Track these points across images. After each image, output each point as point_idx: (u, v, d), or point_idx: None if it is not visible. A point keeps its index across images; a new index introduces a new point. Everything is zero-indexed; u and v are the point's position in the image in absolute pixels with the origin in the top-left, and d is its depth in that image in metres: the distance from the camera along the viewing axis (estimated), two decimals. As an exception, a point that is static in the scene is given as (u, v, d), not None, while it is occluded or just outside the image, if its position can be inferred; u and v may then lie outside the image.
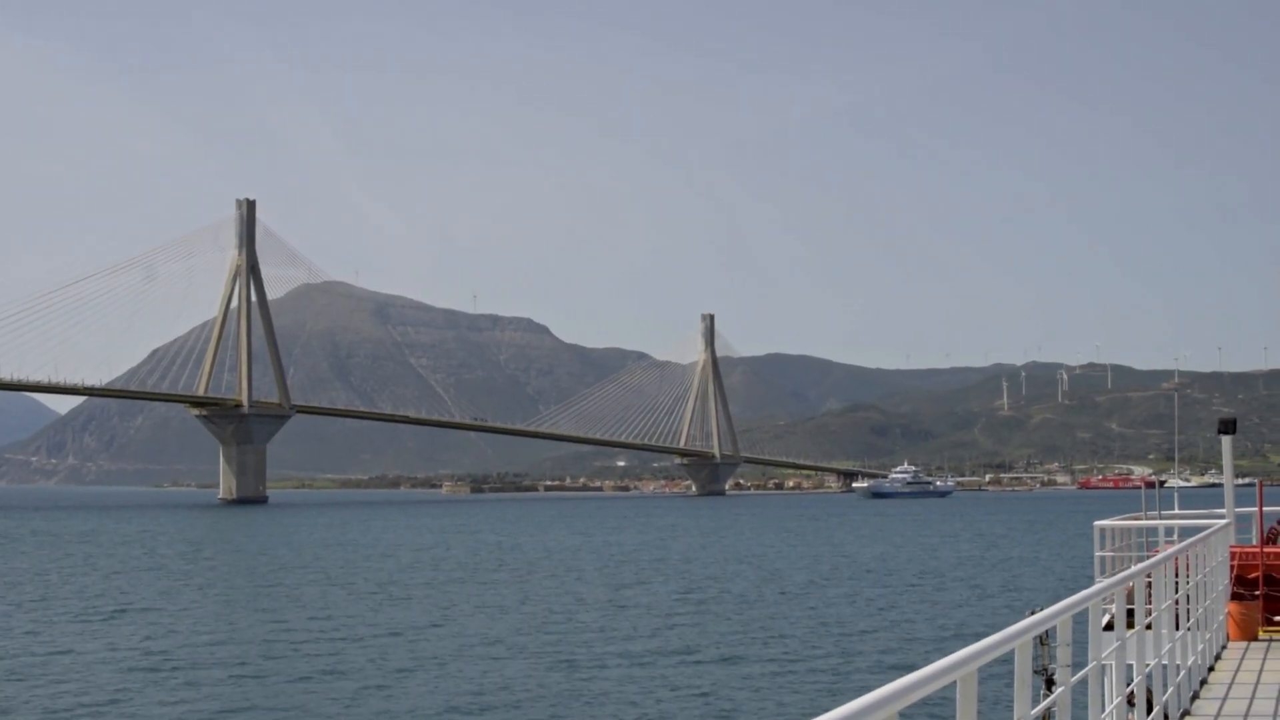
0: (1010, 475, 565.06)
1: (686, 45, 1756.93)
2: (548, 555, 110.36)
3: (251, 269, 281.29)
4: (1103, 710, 12.23)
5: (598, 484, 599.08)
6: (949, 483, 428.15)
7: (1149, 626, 15.47)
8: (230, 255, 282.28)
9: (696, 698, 39.90)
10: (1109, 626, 14.81)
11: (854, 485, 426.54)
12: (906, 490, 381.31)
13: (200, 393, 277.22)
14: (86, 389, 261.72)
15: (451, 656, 47.62)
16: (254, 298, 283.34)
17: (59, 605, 67.15)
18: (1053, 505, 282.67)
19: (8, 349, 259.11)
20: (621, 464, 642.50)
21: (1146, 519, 26.31)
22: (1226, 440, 27.43)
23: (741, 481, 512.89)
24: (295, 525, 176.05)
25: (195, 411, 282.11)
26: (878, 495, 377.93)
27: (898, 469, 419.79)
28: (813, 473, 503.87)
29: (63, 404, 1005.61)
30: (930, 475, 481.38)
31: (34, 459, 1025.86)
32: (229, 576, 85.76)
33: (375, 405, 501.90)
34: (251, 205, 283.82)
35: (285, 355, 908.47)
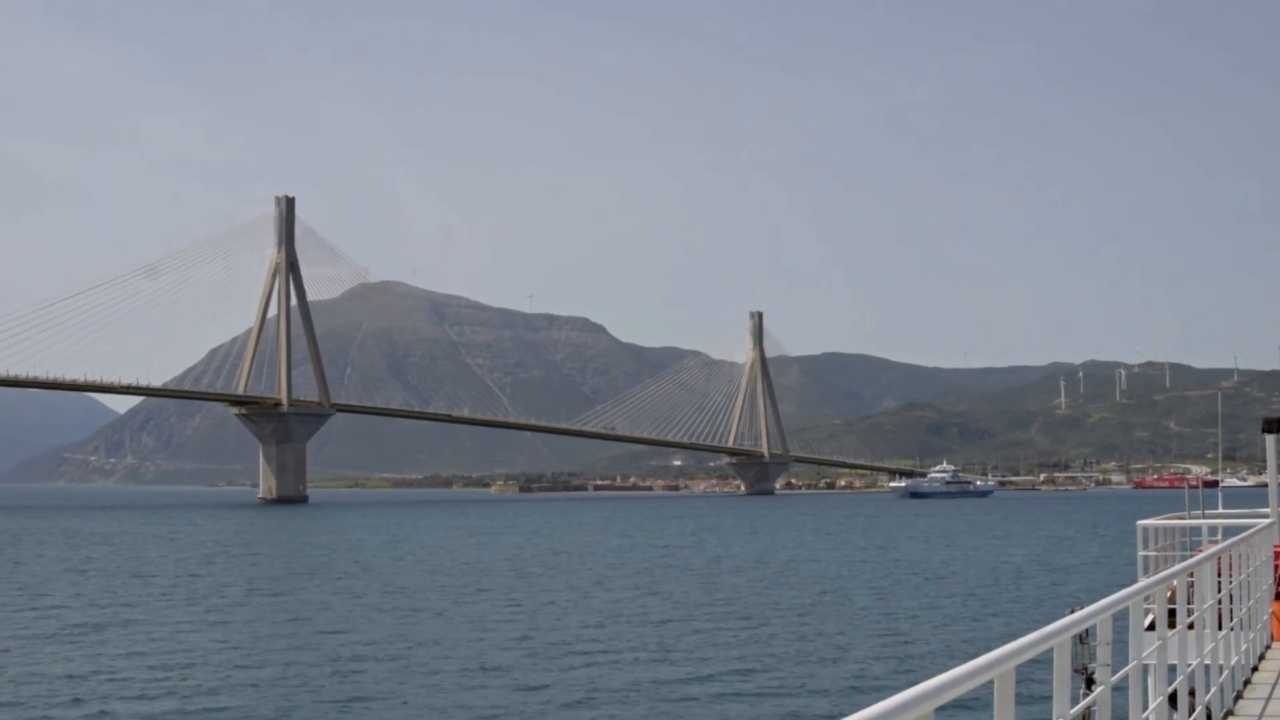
0: (1065, 475, 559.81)
1: (736, 48, 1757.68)
2: (552, 557, 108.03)
3: (291, 267, 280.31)
4: (1143, 710, 12.13)
5: (648, 483, 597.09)
6: (989, 482, 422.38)
7: (1191, 626, 15.34)
8: (270, 253, 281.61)
9: (722, 700, 38.47)
10: (1151, 626, 14.59)
11: (890, 485, 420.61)
12: (945, 490, 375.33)
13: (240, 391, 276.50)
14: (124, 388, 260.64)
15: (438, 670, 44.74)
16: (294, 299, 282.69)
17: (36, 612, 64.82)
18: (1104, 505, 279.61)
19: (59, 349, 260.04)
20: (677, 463, 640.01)
21: (1190, 518, 25.88)
22: (1271, 439, 27.30)
23: (793, 481, 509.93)
24: (323, 526, 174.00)
25: (235, 410, 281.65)
26: (915, 495, 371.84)
27: (936, 468, 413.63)
28: (866, 472, 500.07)
29: (121, 404, 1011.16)
30: (983, 474, 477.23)
31: (92, 458, 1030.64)
32: (231, 580, 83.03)
33: (431, 405, 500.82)
34: (290, 202, 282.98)
35: (342, 355, 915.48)
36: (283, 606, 65.92)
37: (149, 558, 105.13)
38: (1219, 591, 17.27)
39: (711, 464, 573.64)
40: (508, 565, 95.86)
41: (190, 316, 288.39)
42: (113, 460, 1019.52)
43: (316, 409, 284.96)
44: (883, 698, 5.50)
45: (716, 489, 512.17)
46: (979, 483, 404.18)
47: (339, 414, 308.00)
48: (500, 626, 55.97)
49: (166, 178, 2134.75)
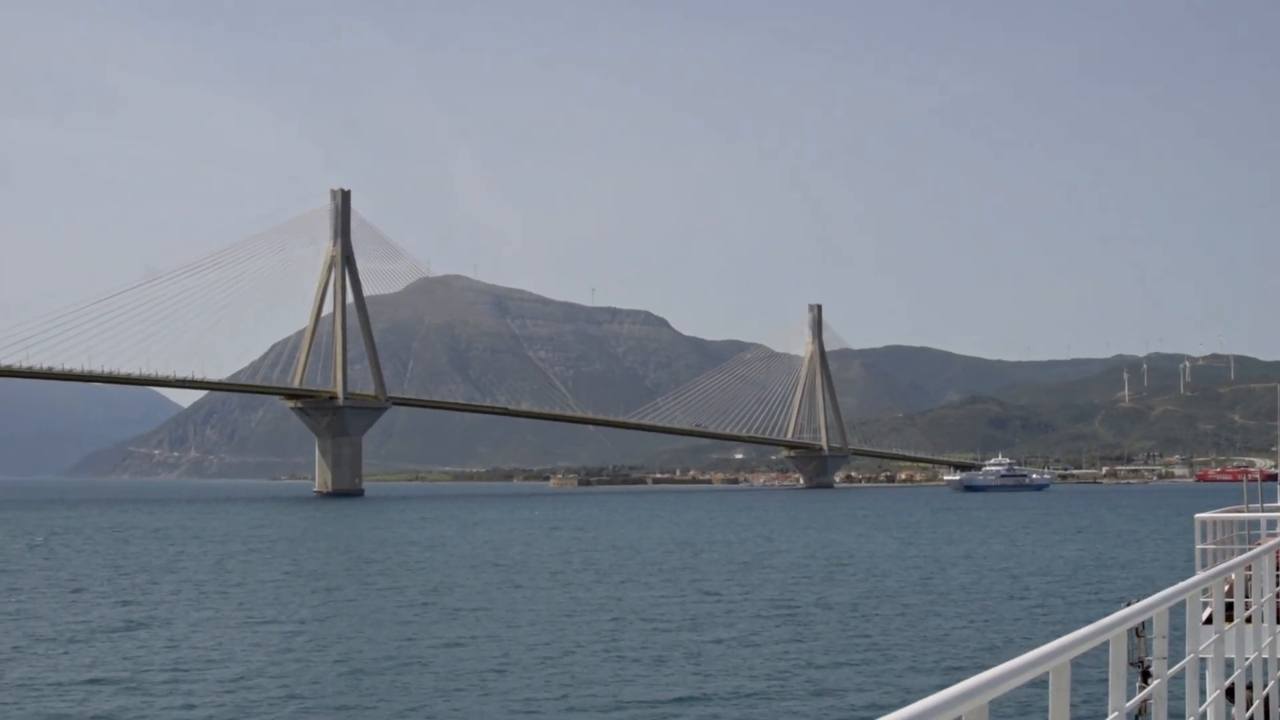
0: (1127, 468, 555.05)
1: (794, 42, 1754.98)
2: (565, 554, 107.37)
3: (347, 260, 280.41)
4: (1200, 704, 11.89)
5: (707, 476, 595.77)
6: (1045, 475, 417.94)
7: (1249, 620, 15.22)
8: (325, 246, 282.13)
9: (777, 692, 38.44)
10: (1209, 620, 14.42)
11: (945, 478, 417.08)
12: (1000, 483, 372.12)
13: (296, 385, 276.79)
14: (178, 381, 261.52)
15: (457, 671, 43.81)
16: (352, 293, 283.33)
17: (66, 609, 64.41)
18: (1164, 499, 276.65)
19: (122, 343, 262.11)
20: (739, 456, 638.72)
21: (1249, 512, 25.20)
22: None
23: (853, 474, 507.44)
24: (373, 521, 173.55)
25: (290, 404, 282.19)
26: (969, 489, 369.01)
27: (991, 461, 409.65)
28: (927, 465, 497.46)
29: (185, 398, 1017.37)
30: (1045, 467, 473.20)
31: (156, 452, 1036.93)
32: (266, 577, 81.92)
33: (493, 398, 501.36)
34: (346, 195, 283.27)
35: (404, 349, 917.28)
36: (314, 604, 65.18)
37: (190, 553, 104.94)
38: (1277, 585, 17.06)
39: (773, 457, 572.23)
40: (550, 562, 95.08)
41: (251, 310, 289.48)
42: (176, 454, 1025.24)
43: (372, 402, 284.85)
44: (937, 690, 5.49)
45: (776, 482, 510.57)
46: (1034, 476, 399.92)
47: (402, 408, 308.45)
48: (535, 625, 54.92)
49: (227, 170, 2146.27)
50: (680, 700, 37.34)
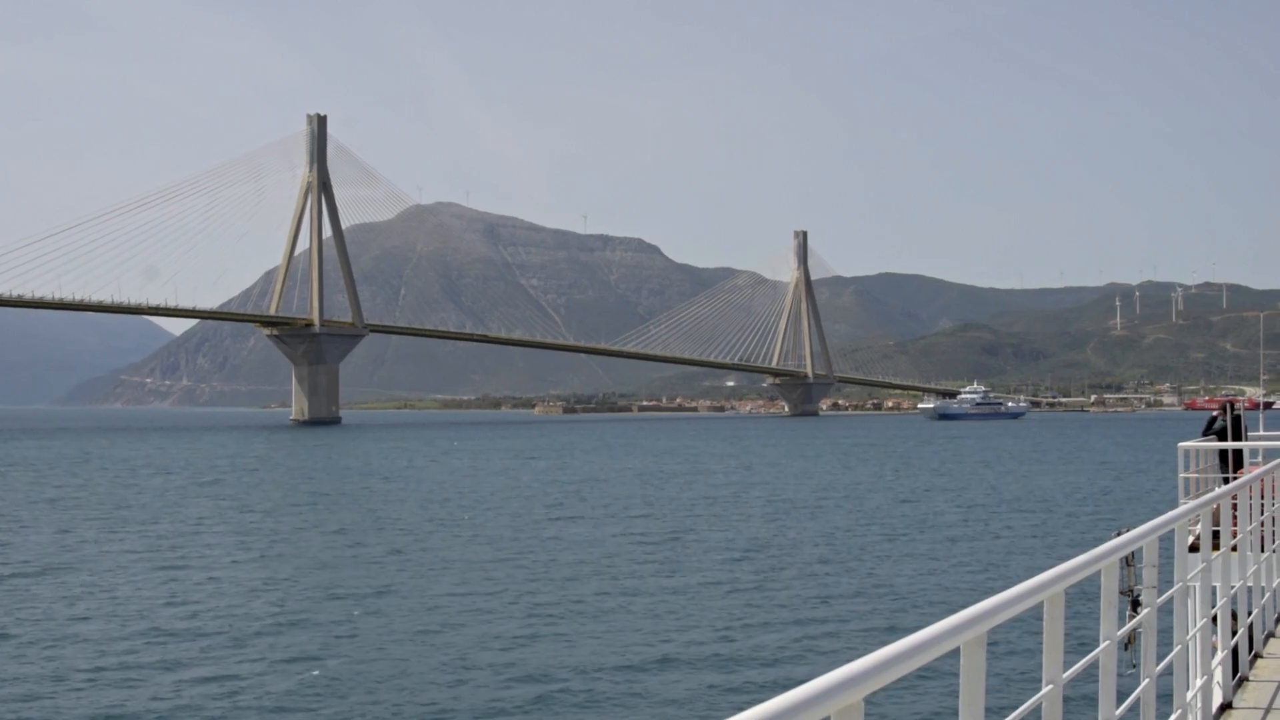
0: (1116, 396, 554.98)
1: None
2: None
3: (323, 186, 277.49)
4: (1188, 632, 12.29)
5: (694, 404, 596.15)
6: (1021, 403, 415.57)
7: (1234, 549, 15.42)
8: (301, 172, 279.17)
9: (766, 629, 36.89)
10: (1194, 548, 14.20)
11: (920, 406, 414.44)
12: (975, 412, 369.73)
13: (272, 312, 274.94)
14: (151, 309, 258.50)
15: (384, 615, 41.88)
16: (340, 220, 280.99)
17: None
18: (1148, 427, 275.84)
19: (111, 270, 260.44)
20: (730, 384, 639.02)
21: (1232, 440, 24.53)
22: None
23: (840, 402, 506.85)
24: (339, 450, 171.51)
25: (266, 331, 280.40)
26: (944, 417, 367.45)
27: (966, 389, 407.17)
28: (918, 393, 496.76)
29: (178, 326, 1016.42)
30: (1035, 394, 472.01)
31: (149, 380, 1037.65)
32: (205, 514, 79.21)
33: (486, 326, 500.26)
34: (322, 121, 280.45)
35: (396, 276, 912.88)
36: (236, 542, 62.28)
37: (145, 486, 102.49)
38: (1262, 514, 17.02)
39: (763, 384, 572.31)
40: (501, 495, 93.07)
41: (239, 239, 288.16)
42: (168, 382, 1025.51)
43: (349, 329, 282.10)
44: (933, 622, 5.49)
45: (762, 410, 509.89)
46: (1010, 404, 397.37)
47: (393, 336, 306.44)
48: (473, 568, 51.42)
49: (211, 97, 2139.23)
50: (629, 658, 33.10)
